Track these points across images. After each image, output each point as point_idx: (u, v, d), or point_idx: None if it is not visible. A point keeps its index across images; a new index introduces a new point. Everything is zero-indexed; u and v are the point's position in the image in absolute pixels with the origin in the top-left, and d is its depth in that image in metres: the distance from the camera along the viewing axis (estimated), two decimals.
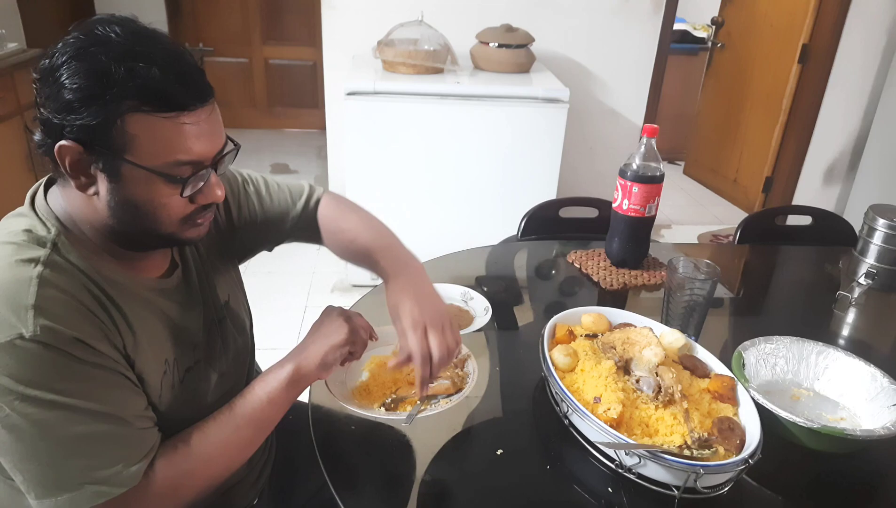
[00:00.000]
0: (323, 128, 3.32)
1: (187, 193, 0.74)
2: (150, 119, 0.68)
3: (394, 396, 0.92)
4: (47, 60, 0.69)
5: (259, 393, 0.83)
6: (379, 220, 1.06)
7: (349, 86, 2.40)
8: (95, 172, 0.71)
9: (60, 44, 0.69)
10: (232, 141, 0.80)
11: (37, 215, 0.75)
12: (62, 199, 0.76)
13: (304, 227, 1.05)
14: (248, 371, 1.06)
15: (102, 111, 0.67)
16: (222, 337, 0.95)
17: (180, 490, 0.77)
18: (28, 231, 0.73)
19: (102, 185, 0.72)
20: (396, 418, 0.90)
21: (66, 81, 0.67)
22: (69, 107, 0.67)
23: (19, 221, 0.74)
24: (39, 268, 0.69)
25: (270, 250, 1.09)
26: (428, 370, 0.86)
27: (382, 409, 0.90)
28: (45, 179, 0.79)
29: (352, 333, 0.89)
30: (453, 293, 1.29)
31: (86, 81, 0.66)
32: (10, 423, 0.66)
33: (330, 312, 0.92)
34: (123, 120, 0.68)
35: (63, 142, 0.68)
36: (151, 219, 0.75)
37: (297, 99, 4.91)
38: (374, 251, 0.98)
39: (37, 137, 0.71)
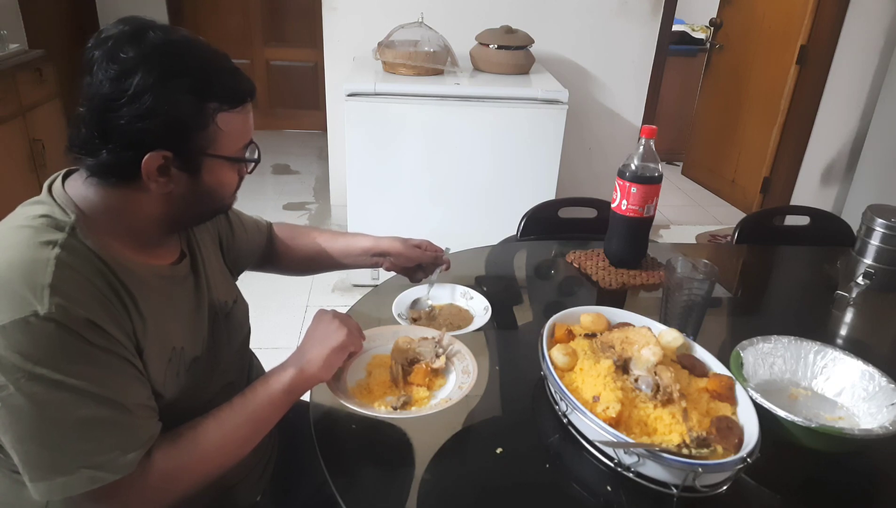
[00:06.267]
0: (324, 129, 3.33)
1: (250, 168, 0.86)
2: (228, 115, 0.78)
3: (404, 397, 0.92)
4: (123, 81, 0.70)
5: (261, 394, 0.84)
6: None
7: (350, 87, 2.41)
8: (176, 171, 0.76)
9: (123, 64, 0.71)
10: None
11: (55, 201, 0.76)
12: (85, 189, 0.77)
13: (268, 248, 1.20)
14: (248, 369, 1.08)
15: (197, 119, 0.75)
16: (227, 331, 0.97)
17: (175, 483, 0.77)
18: (46, 216, 0.74)
19: (181, 181, 0.77)
20: (396, 417, 0.91)
21: (162, 104, 0.71)
22: (169, 122, 0.72)
23: (36, 207, 0.76)
24: (57, 250, 0.71)
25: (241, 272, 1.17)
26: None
27: (383, 407, 0.91)
28: (63, 170, 0.81)
29: (350, 335, 0.92)
30: (454, 293, 1.29)
31: (180, 99, 0.73)
32: (12, 402, 0.67)
33: (323, 315, 0.94)
34: (214, 121, 0.76)
35: (152, 153, 0.73)
36: (217, 199, 0.85)
37: (298, 100, 4.91)
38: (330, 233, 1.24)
39: (105, 156, 0.73)
